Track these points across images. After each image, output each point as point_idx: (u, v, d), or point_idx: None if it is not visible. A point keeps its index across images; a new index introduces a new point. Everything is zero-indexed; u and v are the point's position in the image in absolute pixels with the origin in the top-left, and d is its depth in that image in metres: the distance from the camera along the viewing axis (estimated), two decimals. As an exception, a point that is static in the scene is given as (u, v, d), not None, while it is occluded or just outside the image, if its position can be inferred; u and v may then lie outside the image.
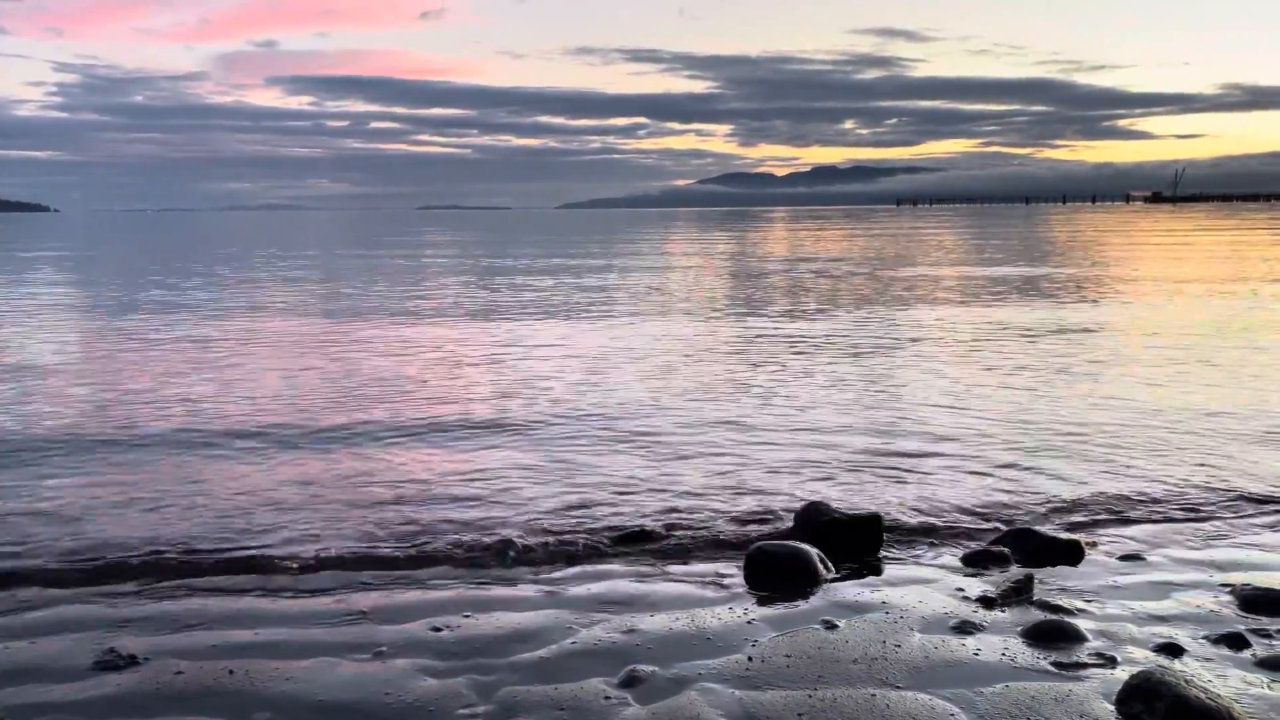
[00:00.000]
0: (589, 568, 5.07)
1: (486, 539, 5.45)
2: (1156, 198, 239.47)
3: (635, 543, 5.42)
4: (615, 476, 6.65)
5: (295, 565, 5.11)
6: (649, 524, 5.68)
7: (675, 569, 5.05)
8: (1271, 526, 5.58)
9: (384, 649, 4.13)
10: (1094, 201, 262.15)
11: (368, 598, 4.70)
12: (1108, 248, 35.83)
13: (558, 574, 5.00)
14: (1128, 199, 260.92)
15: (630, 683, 3.82)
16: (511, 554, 5.24)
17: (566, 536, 5.53)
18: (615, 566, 5.10)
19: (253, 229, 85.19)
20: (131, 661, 4.01)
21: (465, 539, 5.48)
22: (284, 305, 18.72)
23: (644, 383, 10.11)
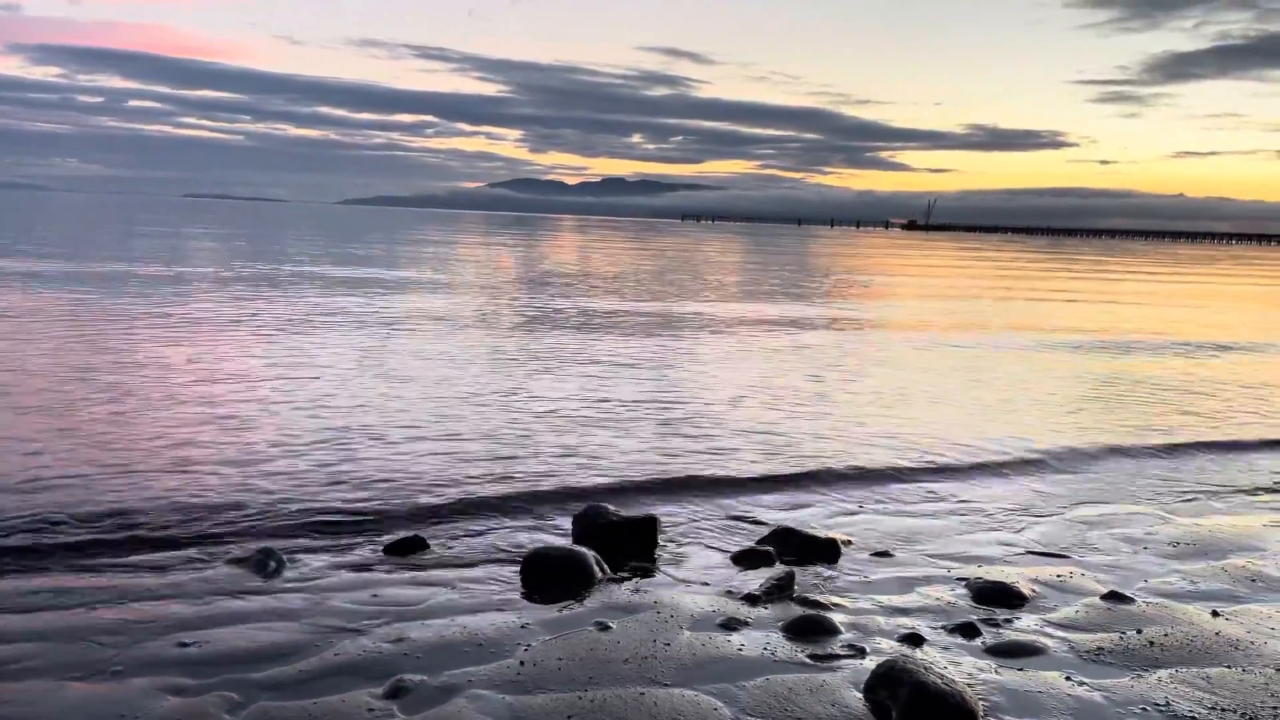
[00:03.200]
0: (357, 576, 4.87)
1: (245, 548, 5.12)
2: (912, 225, 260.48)
3: (408, 549, 5.25)
4: (388, 481, 6.43)
5: (13, 569, 4.60)
6: (422, 529, 5.53)
7: (449, 575, 4.94)
8: (1002, 524, 6.14)
9: (121, 668, 3.79)
10: (858, 226, 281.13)
11: (104, 612, 4.30)
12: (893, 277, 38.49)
13: (323, 584, 4.76)
14: (887, 225, 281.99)
15: (396, 693, 3.69)
16: (272, 564, 4.94)
17: (334, 544, 5.29)
18: (385, 574, 4.92)
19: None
20: None
21: (221, 548, 5.12)
22: None
23: (418, 389, 9.86)
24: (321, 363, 11.01)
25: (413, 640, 4.16)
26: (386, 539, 5.37)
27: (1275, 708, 3.78)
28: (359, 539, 5.39)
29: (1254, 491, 7.21)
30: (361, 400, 9.01)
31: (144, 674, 3.74)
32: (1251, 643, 4.40)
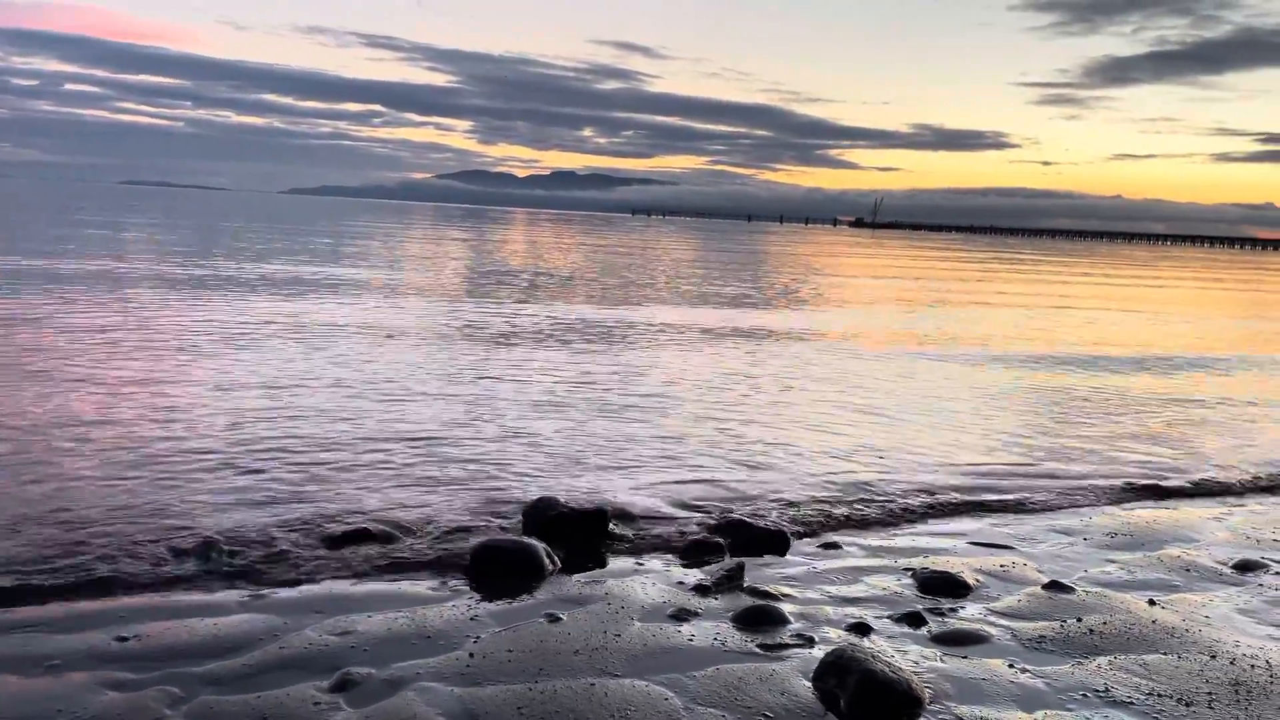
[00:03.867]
0: (303, 569, 4.79)
1: (187, 541, 5.01)
2: (859, 223, 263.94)
3: (356, 542, 5.18)
4: (336, 474, 6.34)
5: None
6: (371, 522, 5.46)
7: (398, 568, 4.88)
8: (947, 516, 6.23)
9: (58, 662, 3.69)
10: (807, 223, 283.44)
11: (39, 608, 4.18)
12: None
13: (267, 577, 4.68)
14: (835, 223, 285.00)
15: (343, 686, 3.64)
16: (214, 556, 4.84)
17: (279, 536, 5.19)
18: (331, 566, 4.85)
19: None
20: None
21: (163, 540, 5.00)
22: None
23: (367, 383, 9.75)
24: (264, 364, 10.84)
25: (360, 633, 4.10)
26: (332, 531, 5.28)
27: (1210, 693, 3.89)
28: (304, 531, 5.30)
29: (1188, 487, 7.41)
30: (304, 398, 8.87)
31: (82, 668, 3.65)
32: (1186, 630, 4.52)
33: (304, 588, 4.57)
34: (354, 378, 9.70)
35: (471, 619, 4.31)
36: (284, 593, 4.50)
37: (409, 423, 7.86)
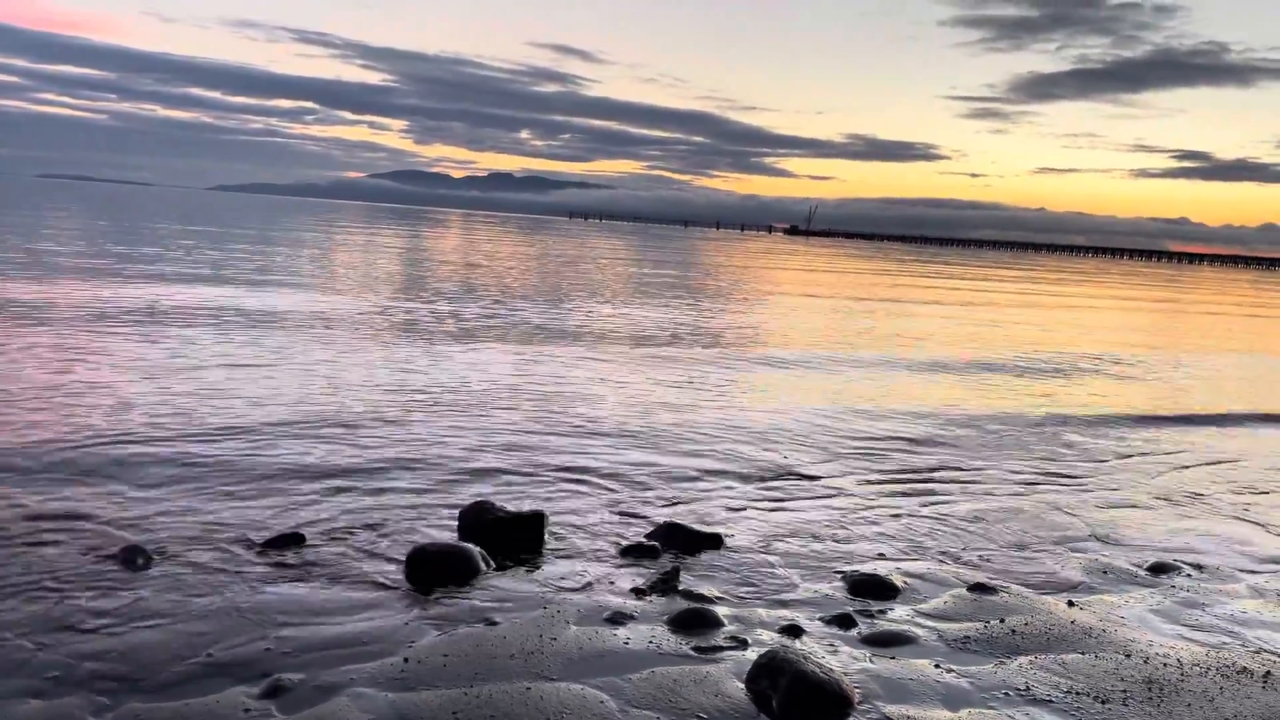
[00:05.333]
0: (232, 573, 4.71)
1: (111, 545, 4.89)
2: (794, 230, 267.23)
3: (288, 547, 5.10)
4: (266, 480, 6.23)
5: None
6: (304, 527, 5.38)
7: (330, 572, 4.82)
8: (877, 519, 6.36)
9: (-25, 672, 3.58)
10: (742, 230, 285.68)
11: (-45, 614, 4.05)
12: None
13: (195, 581, 4.58)
14: (770, 230, 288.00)
15: (274, 693, 3.60)
16: (141, 560, 4.73)
17: (207, 541, 5.09)
18: (262, 571, 4.77)
19: None
20: None
21: (86, 545, 4.87)
22: None
23: (295, 390, 9.60)
24: (191, 359, 10.61)
25: (291, 639, 4.05)
26: (263, 536, 5.20)
27: (1125, 691, 4.05)
28: (233, 536, 5.20)
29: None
30: (231, 405, 8.71)
31: (3, 677, 3.54)
32: (1103, 630, 4.69)
33: (232, 592, 4.49)
34: (282, 387, 9.54)
35: (406, 624, 4.28)
36: (214, 599, 4.41)
37: (341, 429, 7.75)
